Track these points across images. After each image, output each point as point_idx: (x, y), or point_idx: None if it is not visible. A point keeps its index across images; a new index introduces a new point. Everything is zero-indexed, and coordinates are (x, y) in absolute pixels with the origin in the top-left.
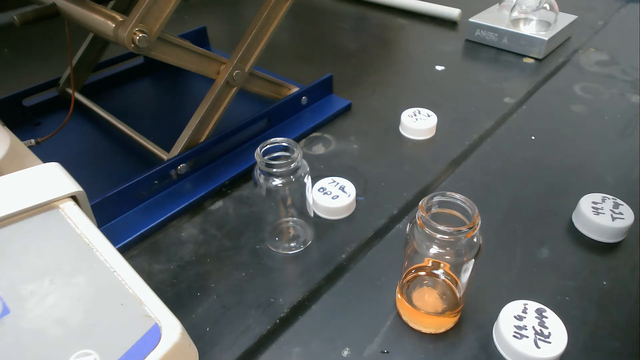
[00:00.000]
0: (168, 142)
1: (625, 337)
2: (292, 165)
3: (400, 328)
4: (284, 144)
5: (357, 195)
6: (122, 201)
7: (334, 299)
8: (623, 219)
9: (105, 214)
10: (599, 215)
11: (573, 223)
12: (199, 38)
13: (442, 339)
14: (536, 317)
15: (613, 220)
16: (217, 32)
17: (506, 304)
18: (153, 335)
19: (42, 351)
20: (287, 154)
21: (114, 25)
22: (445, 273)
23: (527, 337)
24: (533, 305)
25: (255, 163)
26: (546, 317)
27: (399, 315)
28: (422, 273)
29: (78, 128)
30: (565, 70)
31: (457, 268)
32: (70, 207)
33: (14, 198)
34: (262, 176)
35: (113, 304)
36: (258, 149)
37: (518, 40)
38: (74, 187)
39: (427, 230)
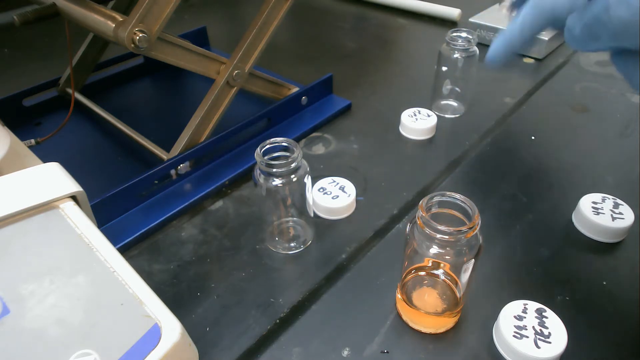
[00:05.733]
0: (168, 142)
1: (625, 337)
2: (292, 165)
3: (400, 328)
4: (284, 144)
5: (357, 195)
6: (122, 201)
7: (334, 299)
8: (623, 219)
9: (105, 214)
10: (599, 215)
11: (573, 223)
12: (199, 38)
13: (442, 339)
14: (536, 317)
15: (613, 220)
16: (217, 32)
17: (506, 304)
18: (153, 335)
19: (42, 351)
20: (287, 154)
21: (114, 25)
22: (445, 273)
23: (527, 337)
24: (533, 305)
25: (255, 163)
26: (546, 317)
27: (399, 315)
28: (422, 273)
29: (78, 128)
30: (565, 70)
31: (457, 268)
32: (70, 207)
33: (14, 198)
34: (262, 176)
35: (113, 304)
36: (258, 149)
37: None
38: (74, 187)
39: (427, 230)
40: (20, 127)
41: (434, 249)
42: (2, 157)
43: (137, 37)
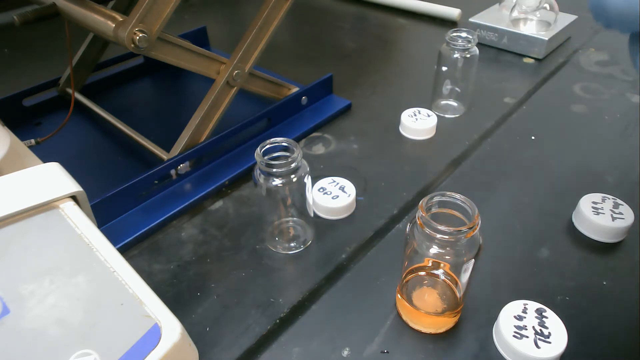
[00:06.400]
0: (168, 142)
1: (625, 337)
2: (292, 165)
3: (400, 328)
4: (284, 144)
5: (357, 195)
6: (122, 201)
7: (334, 299)
8: (623, 219)
9: (105, 214)
10: (599, 215)
11: (573, 223)
12: (199, 38)
13: (442, 339)
14: (536, 317)
15: (613, 220)
16: (217, 32)
17: (506, 304)
18: (153, 335)
19: (42, 351)
20: (287, 154)
21: (114, 25)
22: (445, 273)
23: (527, 337)
24: (533, 305)
25: (255, 163)
26: (546, 317)
27: (399, 315)
28: (422, 273)
29: (78, 128)
30: (565, 70)
31: (457, 268)
32: (70, 207)
33: (14, 198)
34: (262, 176)
35: (113, 304)
36: (258, 149)
37: (518, 40)
38: (74, 187)
39: (427, 230)
40: (20, 127)
41: (434, 249)
42: (2, 157)
43: (137, 37)
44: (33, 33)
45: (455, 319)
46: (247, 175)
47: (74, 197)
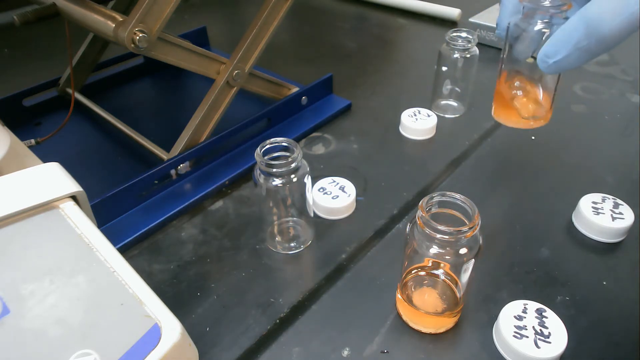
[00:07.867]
0: (168, 142)
1: (625, 337)
2: (292, 165)
3: (400, 328)
4: (284, 144)
5: (357, 195)
6: (122, 201)
7: (334, 299)
8: (623, 219)
9: (105, 214)
10: (599, 215)
11: (573, 223)
12: (199, 38)
13: (442, 339)
14: (536, 317)
15: (613, 220)
16: (217, 32)
17: (506, 304)
18: (153, 335)
19: (42, 351)
20: (287, 154)
21: (114, 25)
22: (445, 273)
23: (527, 337)
24: (533, 305)
25: (255, 163)
26: (546, 317)
27: (399, 315)
28: (422, 273)
29: (78, 128)
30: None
31: (457, 268)
32: (70, 207)
33: (14, 198)
34: (262, 176)
35: (113, 304)
36: (258, 149)
37: None
38: (74, 187)
39: (427, 230)
40: (20, 127)
41: (434, 249)
42: (2, 157)
43: (137, 37)
44: (33, 33)
45: (455, 319)
46: (247, 175)
47: (74, 197)
